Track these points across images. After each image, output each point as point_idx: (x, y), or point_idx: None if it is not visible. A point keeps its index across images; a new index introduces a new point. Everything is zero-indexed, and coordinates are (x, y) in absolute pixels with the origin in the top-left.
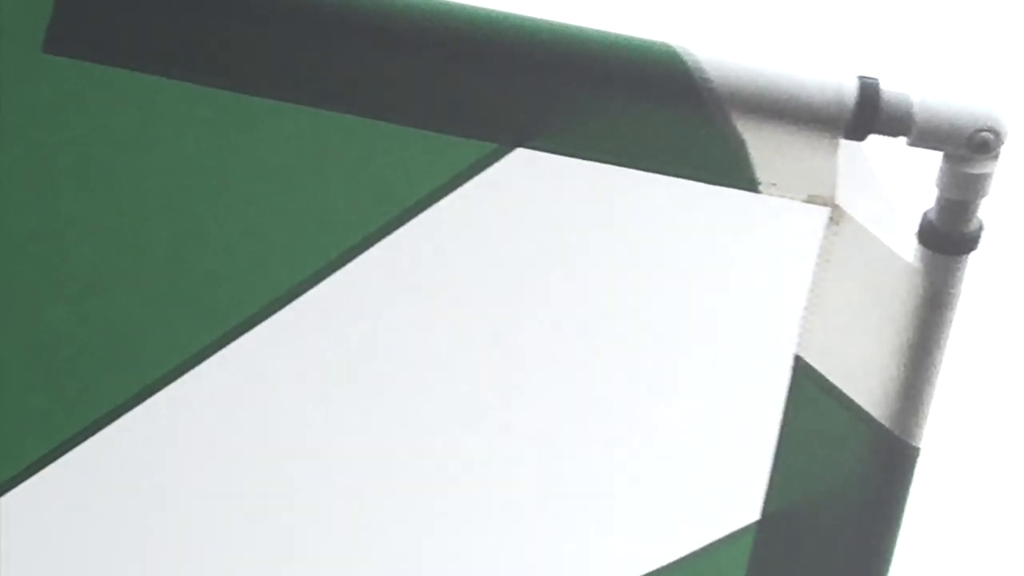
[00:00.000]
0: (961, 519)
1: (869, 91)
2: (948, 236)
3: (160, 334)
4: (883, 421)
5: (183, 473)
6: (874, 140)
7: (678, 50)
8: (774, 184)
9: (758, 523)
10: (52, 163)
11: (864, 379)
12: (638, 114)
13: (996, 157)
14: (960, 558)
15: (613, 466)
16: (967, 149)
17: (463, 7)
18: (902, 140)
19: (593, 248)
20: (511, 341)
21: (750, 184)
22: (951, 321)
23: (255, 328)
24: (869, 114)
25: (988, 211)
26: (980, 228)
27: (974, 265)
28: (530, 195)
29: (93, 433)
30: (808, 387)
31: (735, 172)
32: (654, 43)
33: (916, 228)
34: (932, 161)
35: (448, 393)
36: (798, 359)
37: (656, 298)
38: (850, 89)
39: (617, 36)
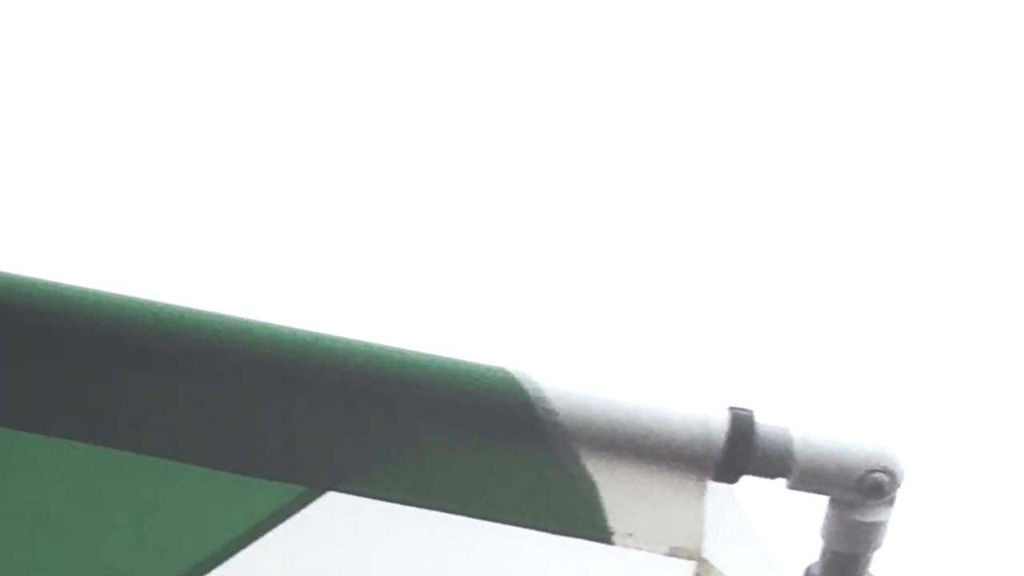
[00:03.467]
0: None
1: (742, 425)
2: None
3: None
4: None
5: None
6: (748, 482)
7: (517, 376)
8: (630, 534)
9: None
10: None
11: None
12: (471, 451)
13: (891, 502)
14: None
15: None
16: (857, 493)
17: (263, 326)
18: (781, 482)
19: None
20: None
21: (602, 534)
22: None
23: None
24: (742, 452)
25: (881, 565)
26: None
27: None
28: (344, 547)
29: None
30: None
31: (584, 520)
32: (489, 368)
33: None
34: (817, 506)
35: None
36: None
37: None
38: (719, 423)
39: (445, 360)
